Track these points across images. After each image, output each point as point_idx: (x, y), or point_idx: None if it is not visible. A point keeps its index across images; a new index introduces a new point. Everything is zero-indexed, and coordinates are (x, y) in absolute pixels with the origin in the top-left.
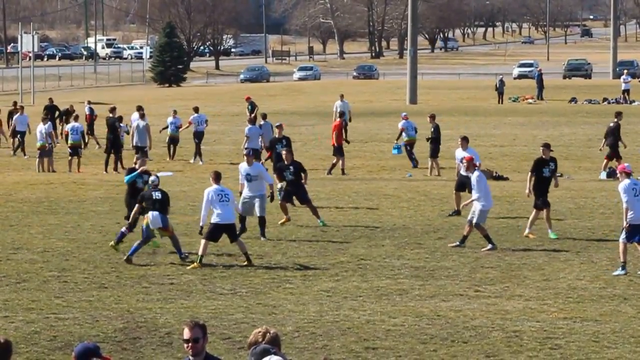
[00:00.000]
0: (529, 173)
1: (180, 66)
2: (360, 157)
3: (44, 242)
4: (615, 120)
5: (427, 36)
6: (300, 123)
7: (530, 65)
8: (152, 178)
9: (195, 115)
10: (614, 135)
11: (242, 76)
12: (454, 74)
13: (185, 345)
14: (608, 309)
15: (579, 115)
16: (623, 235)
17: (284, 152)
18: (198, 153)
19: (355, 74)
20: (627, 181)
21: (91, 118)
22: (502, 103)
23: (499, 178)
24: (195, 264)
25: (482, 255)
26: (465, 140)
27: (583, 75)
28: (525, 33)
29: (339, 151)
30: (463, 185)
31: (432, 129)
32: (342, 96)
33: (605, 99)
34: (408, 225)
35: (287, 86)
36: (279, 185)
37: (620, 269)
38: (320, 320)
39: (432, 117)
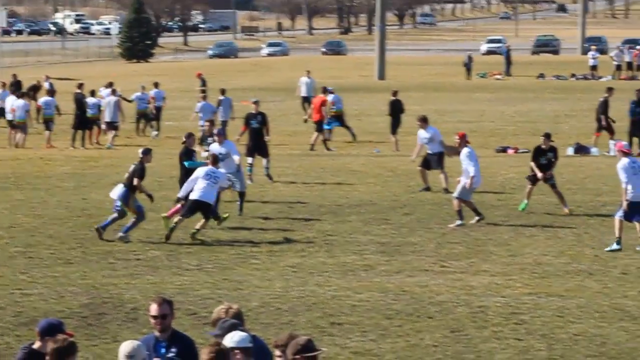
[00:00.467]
0: (531, 162)
1: (149, 42)
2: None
3: (10, 218)
4: (606, 95)
5: (396, 12)
6: (269, 99)
7: (499, 41)
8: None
9: (155, 90)
10: (601, 110)
11: (210, 52)
12: (423, 50)
13: (153, 321)
14: (573, 284)
15: (546, 91)
16: (620, 213)
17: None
18: (156, 127)
19: (323, 49)
20: (625, 160)
21: (51, 93)
22: (470, 79)
23: None
24: (166, 230)
25: (449, 231)
26: (423, 120)
27: (551, 51)
28: (494, 9)
29: (320, 126)
30: (428, 162)
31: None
32: (308, 72)
33: (573, 75)
34: (375, 201)
35: (255, 62)
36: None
37: (615, 244)
38: (285, 295)
39: (393, 93)
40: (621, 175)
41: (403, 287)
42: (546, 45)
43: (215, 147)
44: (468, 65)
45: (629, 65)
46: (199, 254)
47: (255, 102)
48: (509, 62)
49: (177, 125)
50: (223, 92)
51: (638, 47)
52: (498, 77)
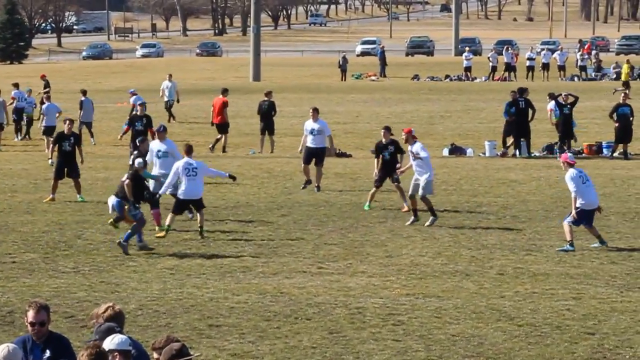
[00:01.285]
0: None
1: (22, 43)
2: (202, 134)
3: None
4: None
5: (270, 13)
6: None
7: (373, 42)
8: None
9: (16, 91)
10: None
11: (84, 53)
12: (298, 51)
13: (30, 328)
14: (450, 285)
15: (421, 92)
16: (569, 219)
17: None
18: (18, 129)
19: (198, 51)
20: (572, 170)
21: None
22: (345, 80)
23: (342, 155)
24: (162, 233)
25: (326, 232)
26: (316, 111)
27: (425, 52)
28: (367, 11)
29: (223, 128)
30: (310, 156)
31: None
32: (170, 76)
33: (447, 76)
34: (252, 203)
35: (130, 63)
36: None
37: (568, 245)
38: (163, 298)
39: (266, 94)
40: (570, 186)
41: (281, 288)
42: (420, 47)
43: (156, 145)
44: (343, 67)
45: (508, 67)
46: (76, 256)
47: (141, 104)
48: (384, 63)
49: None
50: (84, 93)
51: (512, 48)
52: (373, 78)
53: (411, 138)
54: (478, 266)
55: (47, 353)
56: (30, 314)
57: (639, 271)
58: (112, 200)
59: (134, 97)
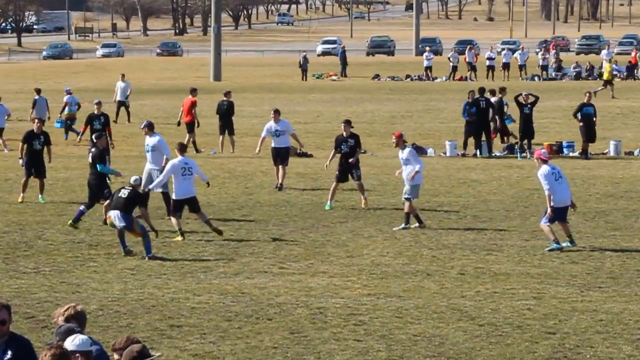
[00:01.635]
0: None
1: None
2: (164, 134)
3: None
4: (500, 96)
5: (231, 13)
6: (104, 100)
7: (334, 42)
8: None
9: None
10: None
11: (44, 53)
12: (259, 51)
13: None
14: (411, 285)
15: (382, 92)
16: (545, 220)
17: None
18: None
19: (159, 50)
20: (545, 167)
21: None
22: (306, 80)
23: (303, 155)
24: (179, 237)
25: (287, 232)
26: (277, 112)
27: (386, 52)
28: (328, 10)
29: (191, 127)
30: (277, 156)
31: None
32: (123, 76)
33: (408, 76)
34: (212, 203)
35: (90, 63)
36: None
37: (554, 244)
38: (124, 298)
39: (225, 93)
40: (543, 183)
41: (242, 289)
42: (381, 47)
43: (145, 139)
44: (304, 67)
45: (471, 66)
46: (36, 257)
47: (98, 104)
48: (344, 62)
49: (11, 126)
50: (38, 92)
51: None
52: (334, 78)
53: (401, 142)
54: (439, 266)
55: (9, 354)
56: None
57: (599, 271)
58: (115, 213)
59: (68, 96)
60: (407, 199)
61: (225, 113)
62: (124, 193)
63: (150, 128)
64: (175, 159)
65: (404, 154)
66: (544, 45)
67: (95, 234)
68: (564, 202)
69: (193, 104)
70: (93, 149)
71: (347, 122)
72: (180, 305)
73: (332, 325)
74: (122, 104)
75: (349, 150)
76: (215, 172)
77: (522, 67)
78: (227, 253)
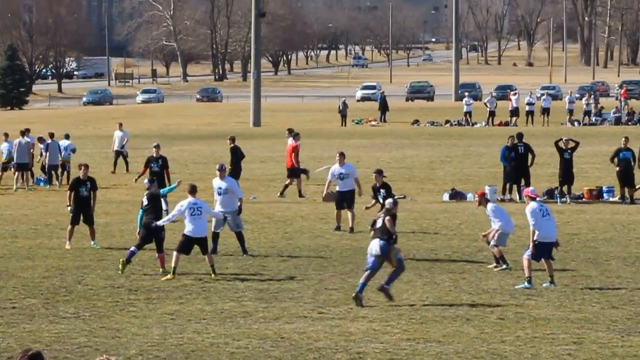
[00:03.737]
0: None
1: (23, 89)
2: (202, 179)
3: None
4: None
5: (270, 59)
6: (144, 146)
7: (374, 87)
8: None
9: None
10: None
11: (85, 99)
12: (298, 97)
13: None
14: (451, 330)
15: (421, 137)
16: (528, 252)
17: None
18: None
19: (198, 96)
20: (533, 204)
21: None
22: (345, 125)
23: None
24: (169, 275)
25: (327, 277)
26: (342, 155)
27: (425, 97)
28: (368, 56)
29: (294, 173)
30: (342, 200)
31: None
32: (120, 125)
33: (447, 121)
34: (252, 248)
35: (130, 109)
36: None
37: (526, 282)
38: (164, 343)
39: (231, 139)
40: (529, 219)
41: (281, 333)
42: (420, 92)
43: (217, 182)
44: (343, 112)
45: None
46: (76, 301)
47: (156, 146)
48: (384, 108)
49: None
50: (52, 136)
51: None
52: (373, 123)
53: (484, 201)
54: (479, 311)
55: None
56: None
57: (639, 316)
58: (377, 243)
59: (64, 140)
60: (494, 245)
61: (237, 158)
62: (381, 216)
63: (225, 171)
64: (184, 200)
65: (487, 210)
66: (588, 90)
67: (135, 279)
68: (549, 238)
69: (294, 149)
70: (148, 191)
71: (379, 172)
72: (219, 350)
73: None
74: (120, 153)
75: (383, 200)
76: (254, 216)
77: (570, 112)
78: (267, 298)
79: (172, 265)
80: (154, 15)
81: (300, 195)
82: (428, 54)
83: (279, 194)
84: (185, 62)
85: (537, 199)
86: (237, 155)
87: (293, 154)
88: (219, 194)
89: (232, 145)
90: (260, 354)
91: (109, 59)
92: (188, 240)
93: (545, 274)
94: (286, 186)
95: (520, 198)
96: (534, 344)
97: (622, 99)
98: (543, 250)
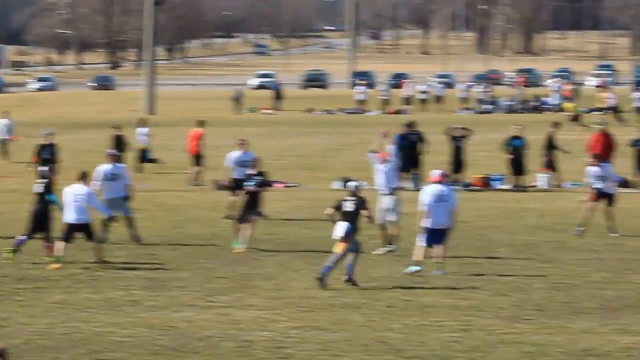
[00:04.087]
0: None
1: None
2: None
3: None
4: (552, 130)
5: (166, 47)
6: (36, 134)
7: (269, 75)
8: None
9: None
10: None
11: None
12: (193, 85)
13: None
14: (339, 318)
15: (316, 126)
16: (422, 240)
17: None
18: None
19: (92, 84)
20: (433, 186)
21: None
22: (240, 113)
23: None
24: (57, 264)
25: (216, 266)
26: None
27: (320, 85)
28: (265, 44)
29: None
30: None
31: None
32: (6, 113)
33: (341, 109)
34: (142, 236)
35: (23, 97)
36: None
37: (415, 265)
38: (50, 332)
39: (115, 127)
40: (423, 200)
41: (169, 322)
42: (315, 80)
43: (105, 168)
44: (238, 100)
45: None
46: None
47: (48, 134)
48: (279, 96)
49: None
50: None
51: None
52: (268, 111)
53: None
54: (367, 298)
55: None
56: None
57: (526, 302)
58: (344, 225)
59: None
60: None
61: (121, 147)
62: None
63: (113, 156)
64: (67, 187)
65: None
66: (482, 79)
67: (22, 268)
68: (439, 225)
69: (199, 136)
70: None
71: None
72: (106, 339)
73: (259, 359)
74: (4, 142)
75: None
76: (145, 205)
77: (464, 100)
78: (156, 287)
79: (59, 254)
80: (50, 3)
81: (195, 184)
82: (328, 42)
83: (192, 184)
84: (80, 50)
85: (442, 182)
86: (122, 143)
87: (199, 141)
88: (108, 179)
89: (116, 133)
90: (148, 343)
91: (3, 46)
92: (69, 227)
93: (435, 261)
94: (197, 173)
95: (415, 186)
96: (421, 332)
97: (518, 87)
98: (431, 236)
